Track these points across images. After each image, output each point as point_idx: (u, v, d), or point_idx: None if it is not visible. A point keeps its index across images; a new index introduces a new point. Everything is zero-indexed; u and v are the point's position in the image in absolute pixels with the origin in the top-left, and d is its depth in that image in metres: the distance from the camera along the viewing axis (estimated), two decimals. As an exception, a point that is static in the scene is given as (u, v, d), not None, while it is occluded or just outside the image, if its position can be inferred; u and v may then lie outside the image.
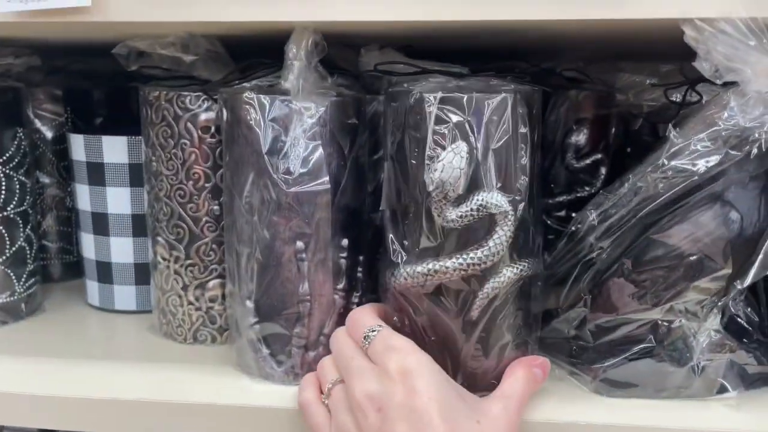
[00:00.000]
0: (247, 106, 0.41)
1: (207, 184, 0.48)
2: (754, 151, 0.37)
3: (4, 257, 0.53)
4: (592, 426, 0.40)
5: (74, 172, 0.56)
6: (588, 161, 0.60)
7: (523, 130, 0.39)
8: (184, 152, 0.47)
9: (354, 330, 0.40)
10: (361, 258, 0.45)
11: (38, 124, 0.61)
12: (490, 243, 0.38)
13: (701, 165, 0.38)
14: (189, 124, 0.47)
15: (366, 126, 0.45)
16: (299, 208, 0.42)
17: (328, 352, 0.44)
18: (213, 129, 0.47)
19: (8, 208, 0.53)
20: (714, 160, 0.38)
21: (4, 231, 0.52)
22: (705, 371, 0.41)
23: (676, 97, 0.48)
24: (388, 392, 0.35)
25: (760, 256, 0.38)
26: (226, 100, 0.43)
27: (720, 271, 0.38)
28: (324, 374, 0.41)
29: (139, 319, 0.55)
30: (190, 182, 0.48)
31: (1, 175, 0.52)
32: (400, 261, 0.40)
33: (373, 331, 0.39)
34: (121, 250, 0.55)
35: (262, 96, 0.41)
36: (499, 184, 0.38)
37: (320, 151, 0.41)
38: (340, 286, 0.44)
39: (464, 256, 0.38)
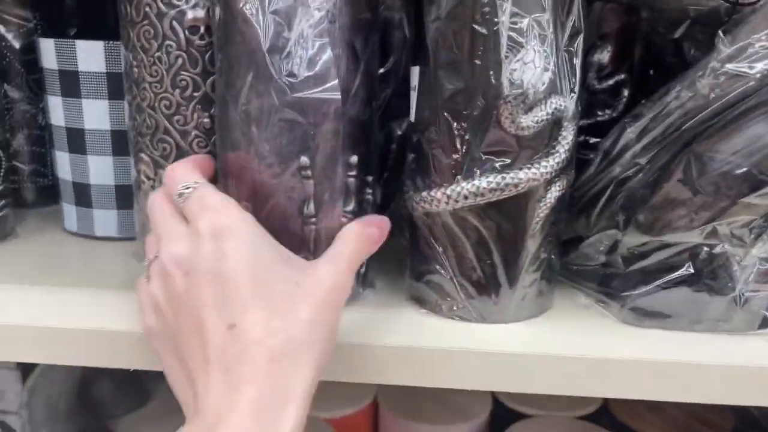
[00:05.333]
0: (244, -3, 0.36)
1: (196, 94, 0.42)
2: (825, 52, 0.33)
3: (-32, 176, 0.48)
4: (619, 362, 0.36)
5: (45, 83, 0.50)
6: (610, 82, 0.55)
7: (582, 25, 0.36)
8: (170, 56, 0.42)
9: (171, 188, 0.36)
10: (369, 178, 0.41)
11: (3, 30, 0.55)
12: (560, 149, 0.35)
13: (760, 68, 0.34)
14: (175, 23, 0.41)
15: (379, 25, 0.40)
16: (304, 117, 0.37)
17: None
18: (202, 29, 0.41)
19: (-29, 121, 0.47)
20: (776, 63, 0.34)
21: (-33, 146, 0.47)
22: (748, 303, 0.38)
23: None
24: (197, 255, 0.32)
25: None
26: (218, -8, 0.38)
27: (772, 187, 0.34)
28: (148, 251, 0.37)
29: (121, 246, 0.51)
30: (177, 91, 0.42)
31: (-38, 82, 0.46)
32: (446, 180, 0.37)
33: (188, 188, 0.35)
34: (101, 170, 0.50)
35: (261, -16, 0.36)
36: (572, 86, 0.35)
37: (329, 51, 0.36)
38: (349, 208, 0.39)
39: (537, 166, 0.35)
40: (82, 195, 0.51)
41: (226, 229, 0.32)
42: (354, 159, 0.39)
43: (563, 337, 0.38)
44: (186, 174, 0.36)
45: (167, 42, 0.42)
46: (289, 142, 0.37)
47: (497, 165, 0.36)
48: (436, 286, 0.39)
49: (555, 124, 0.36)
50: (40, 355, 0.39)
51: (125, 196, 0.50)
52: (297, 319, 0.31)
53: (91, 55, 0.48)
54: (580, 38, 0.36)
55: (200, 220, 0.33)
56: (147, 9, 0.41)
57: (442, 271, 0.39)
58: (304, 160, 0.37)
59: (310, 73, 0.36)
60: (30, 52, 0.56)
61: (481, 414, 0.66)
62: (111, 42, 0.47)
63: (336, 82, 0.36)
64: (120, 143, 0.49)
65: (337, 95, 0.36)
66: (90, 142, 0.50)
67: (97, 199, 0.51)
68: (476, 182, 0.36)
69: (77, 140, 0.50)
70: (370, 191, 0.41)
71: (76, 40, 0.47)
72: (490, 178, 0.36)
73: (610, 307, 0.40)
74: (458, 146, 0.36)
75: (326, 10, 0.36)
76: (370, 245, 0.37)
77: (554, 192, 0.37)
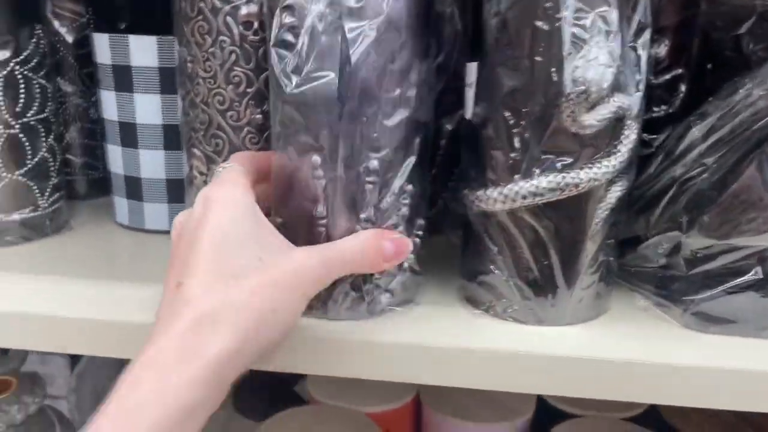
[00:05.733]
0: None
1: (249, 89, 0.42)
2: None
3: (25, 168, 0.48)
4: (684, 368, 0.35)
5: (99, 77, 0.50)
6: (667, 77, 0.54)
7: (649, 19, 0.35)
8: (224, 52, 0.42)
9: None
10: (409, 187, 0.37)
11: (57, 25, 0.56)
12: (622, 148, 0.34)
13: (841, 66, 0.32)
14: (229, 19, 0.41)
15: (418, 23, 0.38)
16: (307, 114, 0.35)
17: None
18: (256, 25, 0.41)
19: (28, 114, 0.48)
20: None
21: (24, 139, 0.48)
22: (819, 308, 0.36)
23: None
24: (189, 219, 0.34)
25: None
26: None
27: None
28: None
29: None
30: (230, 86, 0.42)
31: (20, 77, 0.47)
32: (503, 179, 0.36)
33: (220, 168, 0.37)
34: (152, 164, 0.50)
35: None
36: (637, 83, 0.34)
37: (336, 47, 0.34)
38: (364, 215, 0.36)
39: (598, 165, 0.34)
40: (134, 188, 0.52)
41: (216, 198, 0.33)
42: (374, 164, 0.36)
43: (624, 341, 0.37)
44: (233, 159, 0.38)
45: (221, 37, 0.42)
46: (303, 140, 0.36)
47: (557, 164, 0.35)
48: (491, 286, 0.39)
49: (618, 123, 0.35)
50: (90, 347, 0.40)
51: (176, 190, 0.51)
52: (240, 288, 0.31)
53: (144, 50, 0.48)
54: (647, 33, 0.35)
55: (204, 190, 0.34)
56: (201, 4, 0.41)
57: (498, 272, 0.38)
58: (315, 159, 0.36)
59: (314, 68, 0.34)
60: (83, 46, 0.57)
61: (524, 413, 0.65)
62: (164, 37, 0.47)
63: (335, 77, 0.34)
64: (171, 138, 0.50)
65: (334, 92, 0.34)
66: (142, 137, 0.50)
67: (148, 193, 0.51)
68: (535, 182, 0.35)
69: (129, 134, 0.50)
70: (406, 201, 0.38)
71: (129, 35, 0.48)
72: (550, 178, 0.35)
73: (671, 311, 0.39)
74: (517, 144, 0.36)
75: (339, 5, 0.34)
76: (377, 259, 0.35)
77: (615, 192, 0.36)
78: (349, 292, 0.38)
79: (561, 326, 0.38)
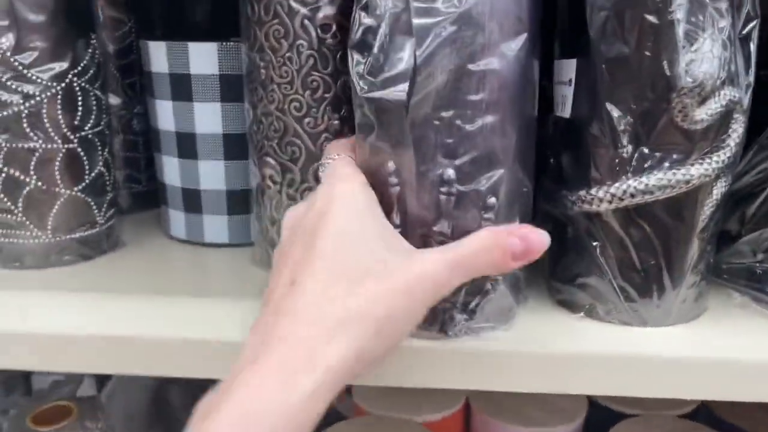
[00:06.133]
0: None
1: (327, 95, 0.41)
2: None
3: (83, 184, 0.46)
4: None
5: (154, 87, 0.49)
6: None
7: (758, 10, 0.33)
8: (301, 56, 0.40)
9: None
10: (492, 200, 0.34)
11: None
12: (730, 142, 0.33)
13: None
14: (306, 22, 0.40)
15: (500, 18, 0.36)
16: (377, 119, 0.34)
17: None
18: (334, 28, 0.40)
19: (86, 128, 0.46)
20: None
21: (82, 153, 0.46)
22: None
23: None
24: (305, 215, 0.33)
25: None
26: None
27: None
28: None
29: (233, 252, 0.50)
30: (308, 92, 0.41)
31: (78, 89, 0.45)
32: (610, 178, 0.35)
33: (330, 159, 0.36)
34: (212, 175, 0.49)
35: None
36: (747, 75, 0.33)
37: (408, 45, 0.32)
38: (437, 228, 0.34)
39: (708, 161, 0.33)
40: (192, 201, 0.50)
41: (336, 196, 0.32)
42: (450, 173, 0.33)
43: (734, 339, 0.36)
44: (335, 148, 0.37)
45: (298, 41, 0.40)
46: (377, 144, 0.34)
47: (666, 161, 0.34)
48: (592, 289, 0.38)
49: (726, 116, 0.35)
50: (160, 368, 0.38)
51: (236, 202, 0.49)
52: (359, 294, 0.29)
53: (204, 57, 0.46)
54: (755, 24, 0.35)
55: (321, 186, 0.33)
56: (278, 7, 0.40)
57: (600, 273, 0.37)
58: (391, 165, 0.34)
59: (390, 73, 0.33)
60: (125, 55, 0.55)
61: (577, 415, 0.65)
62: (225, 43, 0.46)
63: (406, 84, 0.32)
64: (232, 147, 0.48)
65: (402, 97, 0.32)
66: (201, 147, 0.48)
67: (207, 205, 0.50)
68: (644, 179, 0.35)
69: (188, 145, 0.48)
70: (488, 216, 0.34)
71: (188, 43, 0.46)
72: (659, 175, 0.34)
73: (773, 307, 0.38)
74: (624, 142, 0.35)
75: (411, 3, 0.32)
76: (503, 258, 0.32)
77: (720, 188, 0.36)
78: None
79: (665, 327, 0.37)
